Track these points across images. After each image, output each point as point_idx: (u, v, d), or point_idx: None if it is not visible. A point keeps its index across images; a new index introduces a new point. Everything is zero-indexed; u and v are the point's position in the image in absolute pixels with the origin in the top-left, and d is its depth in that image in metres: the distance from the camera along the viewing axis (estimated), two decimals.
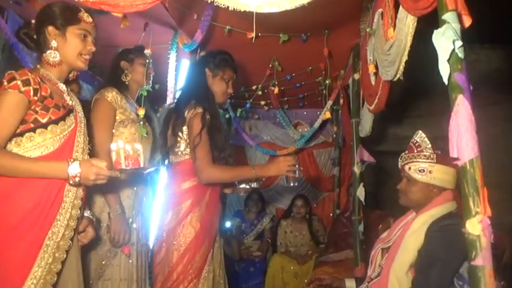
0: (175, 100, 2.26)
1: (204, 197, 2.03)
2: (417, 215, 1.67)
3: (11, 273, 1.30)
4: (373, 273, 1.75)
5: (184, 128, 2.00)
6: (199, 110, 1.97)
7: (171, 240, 1.97)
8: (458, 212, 1.65)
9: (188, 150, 2.00)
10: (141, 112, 2.07)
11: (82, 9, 1.49)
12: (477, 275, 1.07)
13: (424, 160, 1.67)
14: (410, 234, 1.62)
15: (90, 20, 1.50)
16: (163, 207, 2.06)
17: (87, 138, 1.53)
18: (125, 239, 1.93)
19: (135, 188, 2.07)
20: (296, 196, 4.25)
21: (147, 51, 2.17)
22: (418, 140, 1.73)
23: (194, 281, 1.94)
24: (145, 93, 2.16)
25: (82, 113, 1.53)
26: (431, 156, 1.67)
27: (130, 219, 2.02)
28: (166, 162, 2.16)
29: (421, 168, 1.67)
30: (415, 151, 1.71)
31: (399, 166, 1.80)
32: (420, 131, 1.75)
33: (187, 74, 2.32)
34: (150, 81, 2.19)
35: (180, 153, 2.04)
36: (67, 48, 1.46)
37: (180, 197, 2.01)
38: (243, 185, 2.19)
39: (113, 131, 1.98)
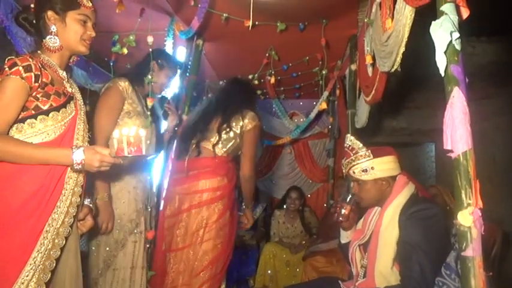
0: (229, 101, 2.38)
1: (234, 194, 2.29)
2: (384, 208, 1.70)
3: (11, 258, 1.30)
4: (358, 274, 1.78)
5: (238, 130, 2.24)
6: (259, 122, 2.30)
7: (216, 233, 2.15)
8: (419, 192, 1.74)
9: (224, 149, 2.24)
10: (150, 103, 2.11)
11: None
12: (467, 265, 1.09)
13: (363, 160, 1.73)
14: (385, 229, 1.65)
15: (90, 4, 1.48)
16: (200, 199, 2.17)
17: (87, 126, 1.52)
18: (108, 227, 1.93)
19: (141, 179, 2.09)
20: (291, 188, 4.24)
21: (150, 39, 2.15)
22: (349, 143, 1.80)
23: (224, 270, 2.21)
24: (150, 82, 2.16)
25: (82, 100, 1.52)
26: (367, 153, 1.73)
27: (141, 207, 2.05)
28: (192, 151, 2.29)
29: (363, 168, 1.73)
30: (352, 155, 1.77)
31: (344, 174, 1.86)
32: (348, 135, 1.84)
33: (240, 87, 2.49)
34: (161, 93, 2.27)
35: (220, 148, 2.24)
36: (67, 34, 1.44)
37: (222, 191, 2.19)
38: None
39: (118, 120, 1.99)
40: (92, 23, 1.49)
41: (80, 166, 1.33)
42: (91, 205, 1.59)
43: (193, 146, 2.26)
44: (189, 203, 2.16)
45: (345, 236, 1.98)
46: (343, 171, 1.86)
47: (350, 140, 1.80)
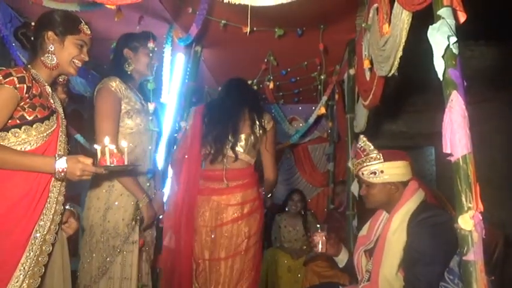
0: (252, 103, 2.42)
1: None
2: (393, 214, 1.69)
3: (1, 263, 1.33)
4: (362, 278, 1.77)
5: (258, 132, 2.33)
6: (274, 123, 2.43)
7: (256, 238, 2.32)
8: (428, 198, 1.72)
9: (249, 156, 2.33)
10: (151, 107, 2.08)
11: (83, 21, 1.57)
12: (469, 269, 1.08)
13: (373, 162, 1.73)
14: (392, 235, 1.63)
15: (89, 32, 1.59)
16: (241, 211, 2.28)
17: (67, 138, 1.58)
18: (153, 222, 2.09)
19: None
20: (293, 191, 4.25)
21: (150, 45, 2.09)
22: (362, 145, 1.79)
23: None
24: (152, 87, 2.16)
25: (63, 114, 1.58)
26: (378, 156, 1.72)
27: (138, 212, 2.00)
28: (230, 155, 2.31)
29: (372, 170, 1.72)
30: (363, 156, 1.77)
31: (354, 174, 1.86)
32: (362, 136, 1.83)
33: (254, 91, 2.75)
34: (153, 72, 2.14)
35: (247, 154, 2.33)
36: (62, 53, 1.52)
37: (258, 201, 2.32)
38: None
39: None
40: (87, 49, 1.59)
41: (62, 174, 1.38)
42: (73, 209, 1.64)
43: (227, 152, 2.29)
44: (232, 215, 2.27)
45: (339, 261, 2.00)
46: (354, 171, 1.85)
47: (363, 141, 1.79)
